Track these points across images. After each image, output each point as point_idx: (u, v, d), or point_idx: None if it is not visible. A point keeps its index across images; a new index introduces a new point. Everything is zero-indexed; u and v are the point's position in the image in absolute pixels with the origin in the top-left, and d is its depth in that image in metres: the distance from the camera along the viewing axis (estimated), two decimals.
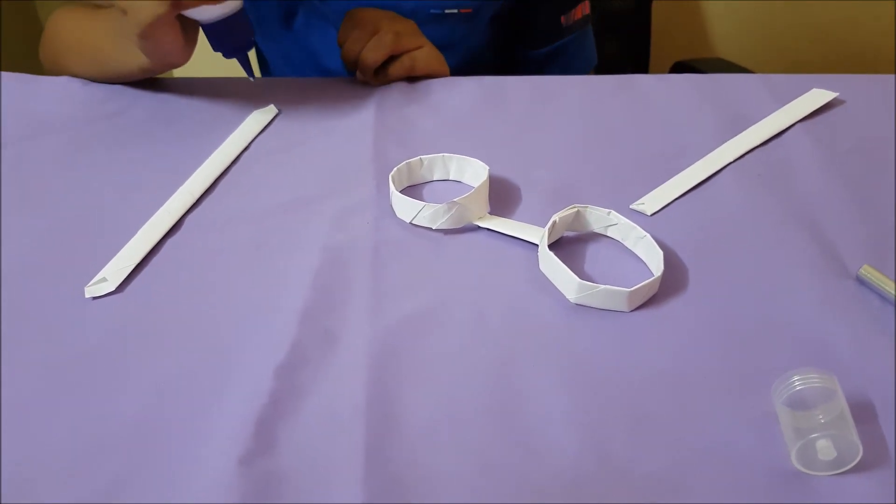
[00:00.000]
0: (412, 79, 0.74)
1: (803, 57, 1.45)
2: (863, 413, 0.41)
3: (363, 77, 0.73)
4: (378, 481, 0.38)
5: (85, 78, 0.73)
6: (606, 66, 1.03)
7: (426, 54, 0.73)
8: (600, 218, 0.54)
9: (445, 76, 0.75)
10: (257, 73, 0.98)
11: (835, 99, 0.69)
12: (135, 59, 0.65)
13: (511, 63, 0.92)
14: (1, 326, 0.47)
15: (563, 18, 0.88)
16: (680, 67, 1.15)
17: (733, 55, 1.23)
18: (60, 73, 0.75)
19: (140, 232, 0.54)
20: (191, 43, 0.63)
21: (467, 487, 0.38)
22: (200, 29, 0.63)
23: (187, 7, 0.58)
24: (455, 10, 0.81)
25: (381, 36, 0.70)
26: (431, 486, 0.38)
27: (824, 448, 0.38)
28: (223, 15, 0.61)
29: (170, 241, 0.54)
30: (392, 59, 0.72)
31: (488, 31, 0.87)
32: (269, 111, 0.69)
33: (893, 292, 0.48)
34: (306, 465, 0.39)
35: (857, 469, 0.39)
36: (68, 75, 0.74)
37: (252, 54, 0.86)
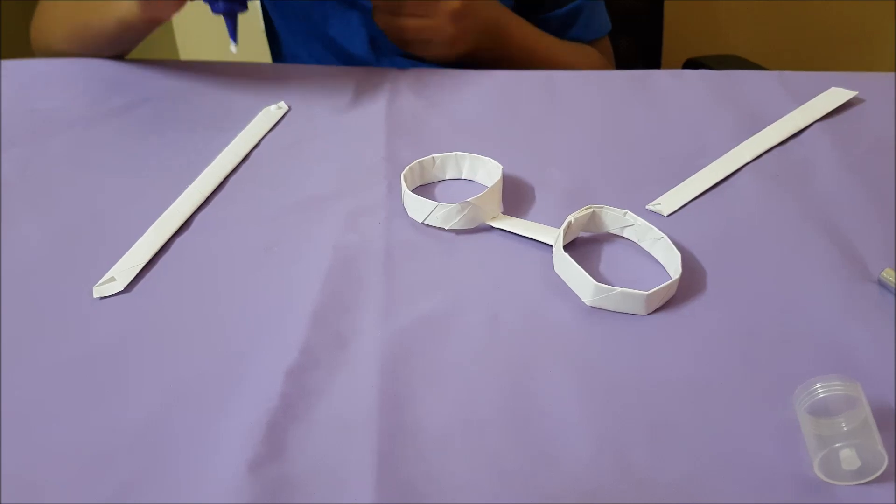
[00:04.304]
0: (426, 73, 0.73)
1: (819, 55, 1.43)
2: (887, 420, 0.40)
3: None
4: (390, 487, 0.37)
5: (62, 50, 0.72)
6: (617, 62, 1.02)
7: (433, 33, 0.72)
8: (616, 219, 0.53)
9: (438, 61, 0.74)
10: (261, 55, 0.97)
11: (854, 97, 0.68)
12: (114, 11, 0.64)
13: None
14: (8, 327, 0.46)
15: None
16: (692, 65, 1.14)
17: (747, 52, 1.21)
18: (45, 50, 0.74)
19: (149, 231, 0.53)
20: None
21: (481, 494, 0.37)
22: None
23: None
24: None
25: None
26: (444, 493, 0.37)
27: (848, 458, 0.37)
28: None
29: (179, 241, 0.53)
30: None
31: None
32: (280, 108, 0.68)
33: None
34: (317, 470, 0.38)
35: (882, 478, 0.38)
36: (51, 50, 0.73)
37: (260, 33, 0.84)
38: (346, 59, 0.87)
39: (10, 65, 0.73)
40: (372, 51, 0.86)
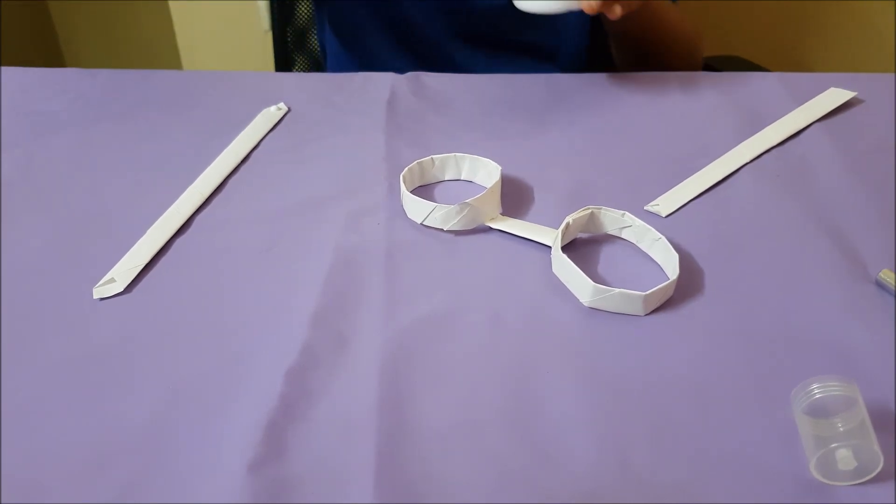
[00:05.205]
0: (426, 74, 0.73)
1: (819, 55, 1.43)
2: (884, 421, 0.41)
3: None
4: (390, 488, 0.38)
5: None
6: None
7: None
8: (615, 220, 0.53)
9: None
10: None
11: (854, 98, 0.68)
12: None
13: None
14: (8, 327, 0.47)
15: None
16: None
17: (747, 52, 1.22)
18: None
19: (149, 232, 0.54)
20: None
21: (482, 494, 0.37)
22: None
23: None
24: None
25: None
26: (444, 493, 0.37)
27: (844, 458, 0.37)
28: None
29: (178, 242, 0.54)
30: None
31: None
32: (280, 109, 0.68)
33: None
34: (316, 471, 0.38)
35: (878, 479, 0.38)
36: None
37: (262, 33, 0.82)
38: (409, 43, 0.84)
39: (10, 71, 0.74)
40: (445, 34, 0.84)
